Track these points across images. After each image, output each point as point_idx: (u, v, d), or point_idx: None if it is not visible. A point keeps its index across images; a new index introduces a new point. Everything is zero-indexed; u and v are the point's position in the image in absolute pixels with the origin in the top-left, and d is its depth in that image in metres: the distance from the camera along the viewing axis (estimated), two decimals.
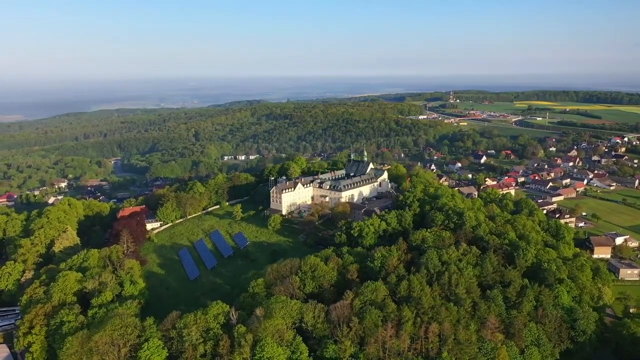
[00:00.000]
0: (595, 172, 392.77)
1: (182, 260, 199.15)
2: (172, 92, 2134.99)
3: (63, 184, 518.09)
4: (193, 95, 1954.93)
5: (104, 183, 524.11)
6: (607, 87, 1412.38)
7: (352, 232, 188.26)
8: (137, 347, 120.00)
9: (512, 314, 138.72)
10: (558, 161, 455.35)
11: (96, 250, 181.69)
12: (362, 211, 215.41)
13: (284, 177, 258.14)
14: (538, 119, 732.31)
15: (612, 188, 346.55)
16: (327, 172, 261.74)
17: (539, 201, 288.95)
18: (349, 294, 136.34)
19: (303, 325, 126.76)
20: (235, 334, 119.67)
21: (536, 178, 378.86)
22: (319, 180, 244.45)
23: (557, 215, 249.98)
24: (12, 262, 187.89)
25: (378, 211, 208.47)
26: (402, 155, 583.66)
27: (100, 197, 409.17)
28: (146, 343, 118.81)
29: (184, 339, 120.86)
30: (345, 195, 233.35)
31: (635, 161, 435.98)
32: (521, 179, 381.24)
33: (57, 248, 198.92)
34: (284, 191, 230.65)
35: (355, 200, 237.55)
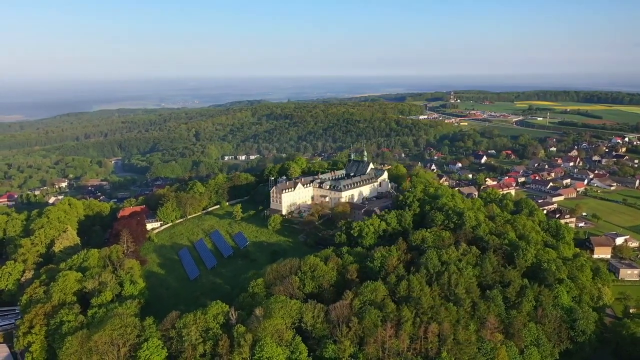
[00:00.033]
0: (596, 172, 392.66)
1: (182, 260, 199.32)
2: (173, 92, 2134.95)
3: (63, 184, 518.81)
4: (193, 95, 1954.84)
5: (104, 183, 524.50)
6: (607, 87, 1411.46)
7: (352, 232, 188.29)
8: (136, 346, 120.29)
9: (511, 314, 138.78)
10: (558, 161, 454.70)
11: (96, 250, 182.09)
12: (362, 211, 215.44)
13: (284, 177, 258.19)
14: (539, 119, 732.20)
15: (612, 188, 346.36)
16: (327, 172, 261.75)
17: (539, 201, 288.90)
18: (348, 294, 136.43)
19: (302, 325, 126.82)
20: (235, 334, 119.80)
21: (536, 178, 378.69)
22: (319, 180, 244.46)
23: (557, 216, 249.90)
24: (12, 261, 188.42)
25: (378, 211, 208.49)
26: (403, 155, 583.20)
27: (101, 197, 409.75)
28: (146, 343, 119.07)
29: (183, 338, 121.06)
30: (345, 195, 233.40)
31: (636, 161, 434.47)
32: (521, 179, 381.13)
33: (57, 248, 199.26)
34: (284, 191, 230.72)
35: (355, 200, 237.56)
